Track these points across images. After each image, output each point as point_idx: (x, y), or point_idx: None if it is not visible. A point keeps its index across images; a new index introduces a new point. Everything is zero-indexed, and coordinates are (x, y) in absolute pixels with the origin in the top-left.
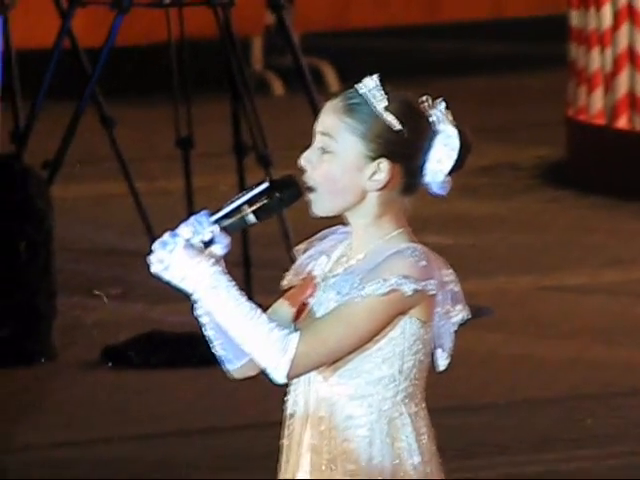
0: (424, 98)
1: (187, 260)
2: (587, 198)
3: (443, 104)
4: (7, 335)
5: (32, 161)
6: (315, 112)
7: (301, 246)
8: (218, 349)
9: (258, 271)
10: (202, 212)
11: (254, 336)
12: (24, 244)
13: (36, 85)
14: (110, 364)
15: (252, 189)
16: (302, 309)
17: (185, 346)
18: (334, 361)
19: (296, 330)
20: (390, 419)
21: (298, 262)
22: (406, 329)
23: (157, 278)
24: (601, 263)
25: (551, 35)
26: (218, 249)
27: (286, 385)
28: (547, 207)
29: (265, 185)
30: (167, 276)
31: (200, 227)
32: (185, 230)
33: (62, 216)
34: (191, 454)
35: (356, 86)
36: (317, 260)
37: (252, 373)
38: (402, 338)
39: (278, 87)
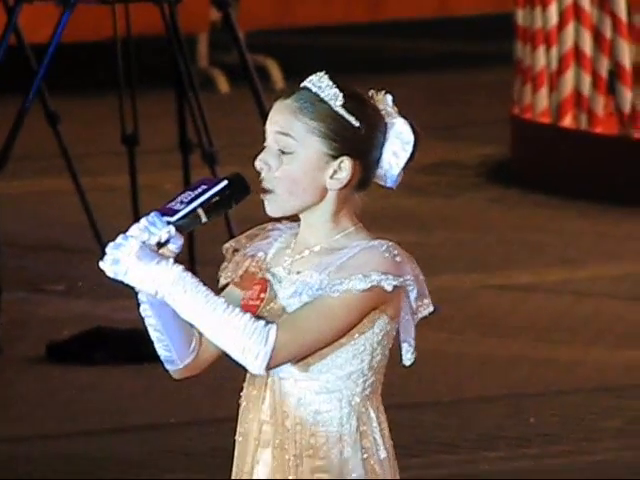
0: (370, 92)
1: (146, 262)
2: (532, 197)
3: (390, 97)
4: None
5: None
6: (261, 109)
7: (229, 244)
8: (161, 350)
9: (203, 269)
10: (153, 213)
11: (230, 329)
12: None
13: None
14: (54, 360)
15: (203, 188)
16: (252, 305)
17: (129, 343)
18: (308, 355)
19: (268, 322)
20: (359, 414)
21: (235, 259)
22: (376, 324)
23: (114, 280)
24: (545, 262)
25: (497, 33)
26: (173, 248)
27: (242, 380)
28: (492, 206)
29: (223, 184)
30: (126, 279)
31: (155, 228)
32: (138, 232)
33: (6, 212)
34: (135, 451)
35: (307, 84)
36: (254, 257)
37: (193, 373)
38: (372, 333)
39: (223, 84)
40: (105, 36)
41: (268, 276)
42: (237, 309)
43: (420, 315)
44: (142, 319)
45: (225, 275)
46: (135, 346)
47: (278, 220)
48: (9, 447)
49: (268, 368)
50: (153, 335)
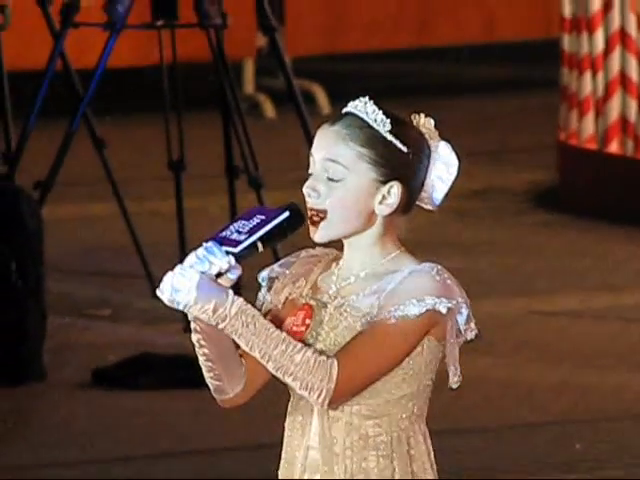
0: (413, 116)
1: (207, 293)
2: (578, 222)
3: (431, 120)
4: None
5: (23, 182)
6: (307, 134)
7: (264, 273)
8: (212, 380)
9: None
10: (210, 242)
11: (293, 365)
12: (14, 265)
13: (28, 106)
14: (99, 385)
15: (261, 219)
16: (297, 332)
17: (175, 368)
18: (369, 385)
19: (329, 357)
20: (407, 437)
21: (275, 287)
22: (424, 348)
23: (169, 307)
24: (591, 287)
25: (544, 59)
26: (232, 278)
27: (285, 407)
28: (538, 231)
29: (284, 216)
30: (185, 309)
31: (214, 258)
32: (197, 261)
33: (52, 237)
34: (181, 476)
35: (352, 110)
36: (295, 284)
37: (242, 402)
38: (421, 357)
39: (269, 109)
40: (151, 61)
41: (311, 302)
42: (299, 344)
43: (467, 338)
44: (193, 347)
45: (265, 303)
46: (181, 371)
47: (312, 246)
48: (55, 472)
49: (331, 403)
50: (205, 365)
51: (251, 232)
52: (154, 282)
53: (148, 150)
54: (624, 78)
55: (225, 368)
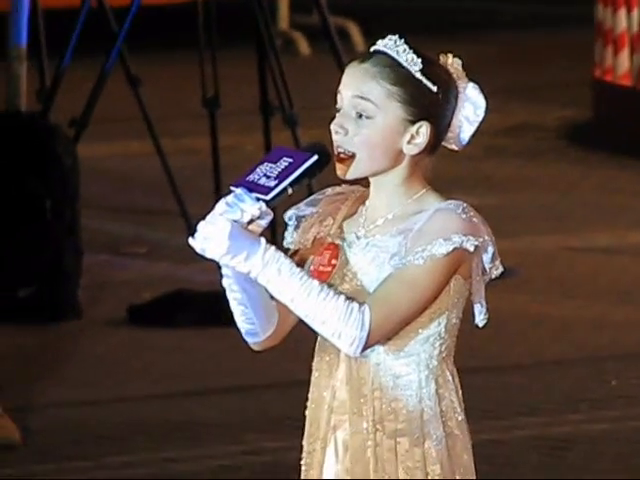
0: (441, 56)
1: (239, 241)
2: (613, 159)
3: (459, 61)
4: (34, 293)
5: (59, 120)
6: (342, 71)
7: (291, 212)
8: (244, 324)
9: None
10: (240, 189)
11: (325, 313)
12: (50, 202)
13: (63, 44)
14: (135, 323)
15: (289, 162)
16: (324, 272)
17: (211, 305)
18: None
19: (361, 304)
20: (436, 377)
21: (303, 225)
22: (451, 286)
23: (202, 257)
24: (627, 224)
25: None
26: (263, 224)
27: (313, 347)
28: (573, 168)
29: (313, 160)
30: (217, 258)
31: (245, 205)
32: (228, 209)
33: (88, 175)
34: (214, 414)
35: (382, 49)
36: (322, 223)
37: (274, 344)
38: (448, 296)
39: (304, 46)
40: None
41: (338, 242)
42: (331, 292)
43: (492, 276)
44: (224, 291)
45: (292, 242)
46: (217, 308)
47: (337, 183)
48: (89, 409)
49: (363, 350)
50: (237, 309)
51: (280, 177)
52: (189, 220)
53: (183, 87)
54: None
55: (256, 311)
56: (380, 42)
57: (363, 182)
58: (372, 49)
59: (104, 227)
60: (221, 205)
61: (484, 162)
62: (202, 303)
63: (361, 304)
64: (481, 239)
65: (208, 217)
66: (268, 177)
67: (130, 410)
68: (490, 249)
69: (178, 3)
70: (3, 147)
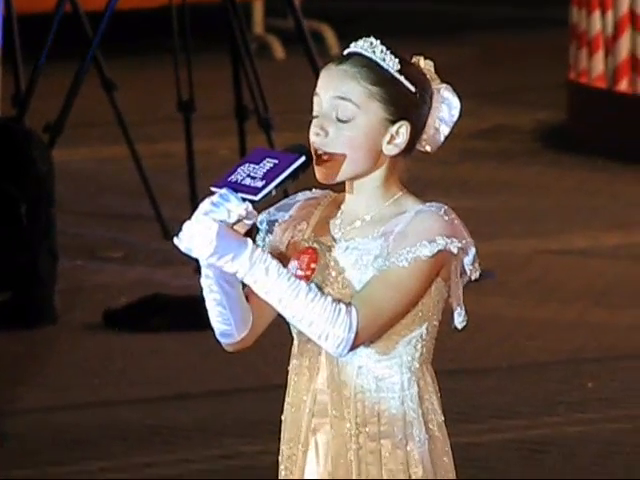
0: (414, 58)
1: (226, 241)
2: (588, 161)
3: (431, 62)
4: (8, 298)
5: (33, 124)
6: (317, 75)
7: (262, 216)
8: (220, 324)
9: None
10: (224, 189)
11: (313, 314)
12: (25, 207)
13: (37, 49)
14: (110, 327)
15: (274, 163)
16: (303, 276)
17: (187, 309)
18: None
19: (347, 305)
20: (417, 379)
21: (276, 230)
22: (433, 289)
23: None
24: (603, 226)
25: None
26: (248, 224)
27: (289, 350)
28: (548, 170)
29: (301, 161)
30: (202, 257)
31: (232, 205)
32: (214, 209)
33: (63, 179)
34: (192, 418)
35: (359, 50)
36: (297, 227)
37: (246, 345)
38: (429, 298)
39: (279, 50)
40: (160, 3)
41: (315, 246)
42: (319, 293)
43: (472, 278)
44: (201, 291)
45: (265, 246)
46: (193, 313)
47: (308, 188)
48: (67, 414)
49: (348, 352)
50: (214, 309)
51: (267, 177)
52: (165, 224)
53: (158, 92)
54: (633, 16)
55: (234, 313)
56: (355, 44)
57: (335, 187)
58: (347, 51)
59: (79, 231)
60: (206, 205)
61: (459, 165)
62: (178, 307)
63: (348, 305)
64: (464, 241)
65: (194, 217)
66: (253, 178)
67: (107, 415)
68: (472, 251)
69: (152, 8)
70: None
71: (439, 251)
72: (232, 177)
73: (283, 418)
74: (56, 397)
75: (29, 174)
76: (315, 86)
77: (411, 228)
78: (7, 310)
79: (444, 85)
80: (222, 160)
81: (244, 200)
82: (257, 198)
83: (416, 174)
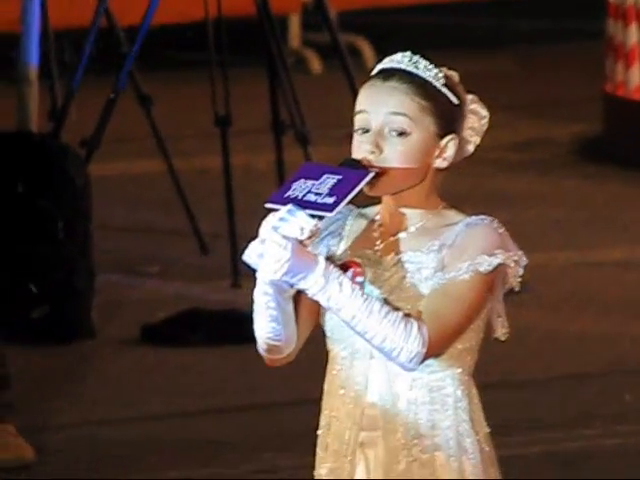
0: (442, 69)
1: (299, 258)
2: (625, 173)
3: (456, 74)
4: (47, 314)
5: (70, 139)
6: (353, 89)
7: None
8: (271, 340)
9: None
10: (290, 206)
11: (387, 330)
12: (62, 223)
13: (74, 64)
14: (148, 342)
15: (338, 179)
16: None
17: (224, 323)
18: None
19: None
20: (468, 390)
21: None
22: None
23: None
24: (638, 239)
25: (590, 10)
26: (313, 240)
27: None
28: (584, 183)
29: (371, 175)
30: (273, 275)
31: (302, 222)
32: (284, 225)
33: (100, 194)
34: (232, 432)
35: (401, 66)
36: (330, 241)
37: (289, 360)
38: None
39: (316, 64)
40: (196, 17)
41: (357, 259)
42: (389, 308)
43: (515, 289)
44: (250, 302)
45: None
46: (230, 327)
47: None
48: (104, 429)
49: (419, 366)
50: (268, 326)
51: (336, 193)
52: (202, 238)
53: (194, 106)
54: None
55: (286, 328)
56: (393, 59)
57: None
58: (385, 67)
59: (116, 246)
60: (274, 221)
61: (494, 178)
62: (215, 322)
63: (417, 320)
64: (519, 253)
65: (263, 234)
66: (318, 194)
67: (145, 429)
68: (523, 263)
69: (188, 22)
70: (15, 168)
71: (499, 264)
72: (289, 193)
73: (321, 432)
74: (94, 412)
75: (66, 190)
76: (356, 102)
77: (466, 241)
78: (45, 325)
79: (471, 95)
80: (259, 174)
81: (313, 217)
82: (332, 214)
83: (452, 186)
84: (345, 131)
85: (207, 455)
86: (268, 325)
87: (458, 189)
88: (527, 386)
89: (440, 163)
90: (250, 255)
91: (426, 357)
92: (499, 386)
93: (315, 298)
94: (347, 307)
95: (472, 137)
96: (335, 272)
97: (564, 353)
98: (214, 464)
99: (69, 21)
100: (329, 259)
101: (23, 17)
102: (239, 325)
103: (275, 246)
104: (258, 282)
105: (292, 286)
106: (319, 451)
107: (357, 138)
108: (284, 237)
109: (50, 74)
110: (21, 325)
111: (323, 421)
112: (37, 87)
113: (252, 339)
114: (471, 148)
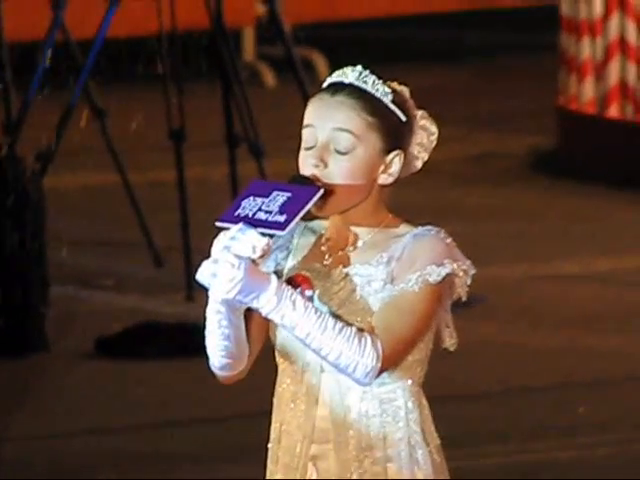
0: (392, 85)
1: (255, 281)
2: (579, 187)
3: (407, 89)
4: (0, 326)
5: (25, 153)
6: (307, 102)
7: None
8: (223, 358)
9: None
10: (241, 225)
11: (341, 346)
12: (17, 235)
13: (28, 77)
14: (103, 355)
15: (288, 196)
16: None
17: (178, 336)
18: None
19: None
20: (418, 402)
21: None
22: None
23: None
24: (594, 252)
25: (542, 24)
26: (265, 259)
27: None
28: (539, 196)
29: (321, 193)
30: (237, 297)
31: (254, 240)
32: (240, 247)
33: (54, 207)
34: (186, 444)
35: (352, 81)
36: (279, 255)
37: (241, 377)
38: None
39: (270, 78)
40: (151, 31)
41: (305, 273)
42: (343, 324)
43: (462, 299)
44: (202, 316)
45: None
46: (184, 340)
47: None
48: (57, 442)
49: (373, 380)
50: (220, 344)
51: (286, 211)
52: (156, 252)
53: (149, 120)
54: (623, 42)
55: (238, 347)
56: (343, 73)
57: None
58: (335, 80)
59: (71, 259)
60: (225, 240)
61: (450, 191)
62: (169, 335)
63: (370, 335)
64: (468, 262)
65: (215, 253)
66: (268, 212)
67: (100, 442)
68: (472, 272)
69: (143, 36)
70: None
71: (447, 274)
72: (239, 212)
73: (271, 445)
74: (49, 424)
75: (21, 202)
76: (304, 117)
77: (414, 252)
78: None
79: (421, 112)
80: (213, 188)
81: (263, 235)
82: (284, 233)
83: (407, 199)
84: (298, 144)
85: (162, 467)
86: (221, 343)
87: (413, 201)
88: (482, 399)
89: (385, 179)
90: (203, 274)
91: (381, 371)
92: (454, 399)
93: (269, 317)
94: (301, 325)
95: (420, 153)
96: (287, 291)
97: (519, 366)
98: (169, 476)
99: (24, 34)
100: (277, 273)
101: None
102: (193, 338)
103: (228, 266)
104: (210, 301)
105: (245, 305)
106: (270, 464)
107: (303, 153)
108: (236, 256)
109: (5, 86)
110: None
111: (273, 434)
112: None
113: (206, 352)
114: (419, 164)
